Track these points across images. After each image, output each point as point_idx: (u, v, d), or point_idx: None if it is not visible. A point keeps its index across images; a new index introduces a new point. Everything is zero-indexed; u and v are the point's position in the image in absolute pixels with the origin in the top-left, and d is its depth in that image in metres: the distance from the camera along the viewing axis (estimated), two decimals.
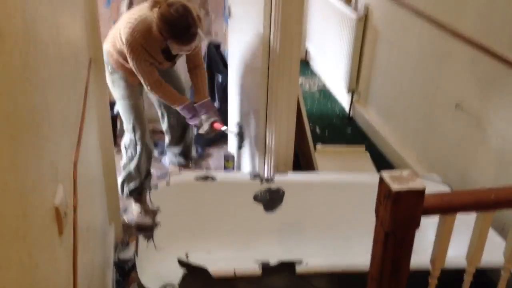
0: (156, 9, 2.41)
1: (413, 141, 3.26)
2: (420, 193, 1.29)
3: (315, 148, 3.27)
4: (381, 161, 3.42)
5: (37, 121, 1.01)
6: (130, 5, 3.28)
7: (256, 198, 2.51)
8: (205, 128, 2.77)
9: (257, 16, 2.49)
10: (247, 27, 2.68)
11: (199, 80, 2.81)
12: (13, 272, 0.78)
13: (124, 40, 2.49)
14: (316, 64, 4.89)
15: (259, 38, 2.52)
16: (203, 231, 2.49)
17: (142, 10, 2.52)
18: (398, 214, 1.30)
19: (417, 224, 1.32)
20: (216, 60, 3.43)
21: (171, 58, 2.66)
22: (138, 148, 2.77)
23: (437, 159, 2.97)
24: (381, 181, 1.29)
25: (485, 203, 1.44)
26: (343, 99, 4.24)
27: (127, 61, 2.58)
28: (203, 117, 2.76)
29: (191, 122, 2.81)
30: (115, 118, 3.27)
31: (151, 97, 2.98)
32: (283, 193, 2.53)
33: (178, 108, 2.74)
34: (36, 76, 1.02)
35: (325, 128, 3.92)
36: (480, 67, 2.54)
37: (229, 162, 3.15)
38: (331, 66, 4.34)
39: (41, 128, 1.04)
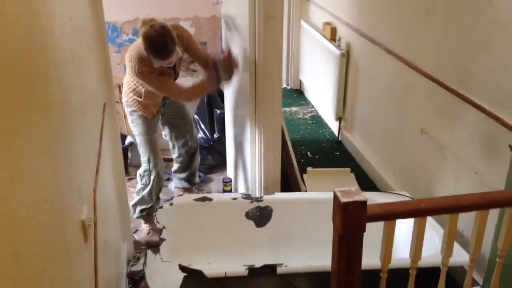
0: (142, 28, 2.80)
1: (390, 162, 3.61)
2: (363, 203, 1.65)
3: (306, 171, 3.65)
4: (365, 181, 3.76)
5: (69, 159, 1.42)
6: None
7: (247, 215, 2.91)
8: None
9: (247, 57, 2.92)
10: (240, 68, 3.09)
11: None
12: (59, 261, 1.19)
13: (130, 72, 2.88)
14: (309, 94, 5.30)
15: (248, 78, 2.94)
16: (202, 245, 2.86)
17: (138, 41, 2.90)
18: (347, 221, 1.64)
19: (363, 229, 1.69)
20: (215, 96, 3.85)
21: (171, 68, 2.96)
22: (152, 176, 3.15)
23: (409, 177, 3.32)
24: (335, 195, 1.66)
25: (417, 210, 1.79)
26: (333, 125, 4.60)
27: (140, 96, 2.97)
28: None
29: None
30: (126, 150, 3.69)
31: (164, 132, 3.38)
32: (271, 210, 2.92)
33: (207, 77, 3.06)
34: (68, 128, 1.44)
35: (316, 152, 4.29)
36: (438, 98, 2.89)
37: (227, 186, 3.55)
38: (321, 96, 4.72)
39: (72, 164, 1.46)
